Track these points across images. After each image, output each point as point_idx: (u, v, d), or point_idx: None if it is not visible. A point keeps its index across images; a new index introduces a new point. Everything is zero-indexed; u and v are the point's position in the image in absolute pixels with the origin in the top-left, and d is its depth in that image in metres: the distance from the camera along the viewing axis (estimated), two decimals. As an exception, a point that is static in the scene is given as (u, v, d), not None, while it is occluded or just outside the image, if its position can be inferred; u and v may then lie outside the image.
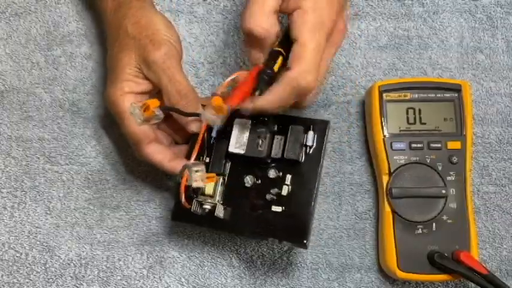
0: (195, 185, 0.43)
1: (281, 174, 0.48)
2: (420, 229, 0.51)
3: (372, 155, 0.55)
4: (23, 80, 0.59)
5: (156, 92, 0.53)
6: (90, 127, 0.58)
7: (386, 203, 0.52)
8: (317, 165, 0.48)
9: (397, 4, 0.59)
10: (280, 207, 0.48)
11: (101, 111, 0.58)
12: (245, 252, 0.54)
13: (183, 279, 0.54)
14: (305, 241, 0.46)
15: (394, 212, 0.52)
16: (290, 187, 0.48)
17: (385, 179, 0.53)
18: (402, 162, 0.52)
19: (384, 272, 0.54)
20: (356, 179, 0.55)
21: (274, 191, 0.48)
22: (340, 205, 0.55)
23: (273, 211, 0.48)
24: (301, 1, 0.45)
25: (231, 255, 0.55)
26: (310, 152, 0.48)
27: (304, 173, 0.48)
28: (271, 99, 0.45)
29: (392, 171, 0.52)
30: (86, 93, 0.59)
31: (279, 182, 0.48)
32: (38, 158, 0.57)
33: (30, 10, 0.61)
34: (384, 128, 0.53)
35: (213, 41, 0.59)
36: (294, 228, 0.47)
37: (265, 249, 0.54)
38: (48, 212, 0.56)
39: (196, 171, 0.43)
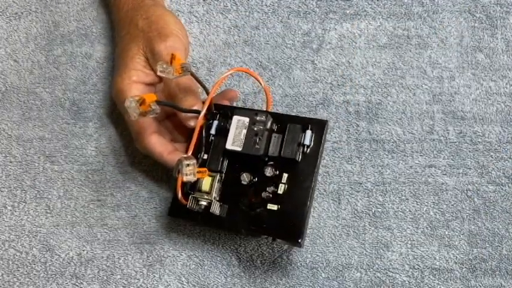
0: (185, 179, 0.44)
1: (278, 172, 0.48)
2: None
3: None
4: (23, 79, 0.59)
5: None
6: (90, 126, 0.58)
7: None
8: (314, 164, 0.48)
9: (396, 4, 0.59)
10: (276, 206, 0.48)
11: (102, 110, 0.58)
12: (245, 251, 0.55)
13: (183, 278, 0.54)
14: (299, 240, 0.46)
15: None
16: (286, 186, 0.48)
17: None
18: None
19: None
20: (356, 178, 0.55)
21: (271, 189, 0.48)
22: (339, 204, 0.55)
23: (268, 209, 0.48)
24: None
25: (231, 254, 0.55)
26: (308, 151, 0.48)
27: (301, 172, 0.48)
28: None
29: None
30: (86, 93, 0.59)
31: (276, 180, 0.48)
32: (39, 157, 0.57)
33: (30, 10, 0.61)
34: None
35: (213, 40, 0.59)
36: (289, 227, 0.47)
37: (265, 248, 0.54)
38: (49, 211, 0.56)
39: (187, 165, 0.44)
